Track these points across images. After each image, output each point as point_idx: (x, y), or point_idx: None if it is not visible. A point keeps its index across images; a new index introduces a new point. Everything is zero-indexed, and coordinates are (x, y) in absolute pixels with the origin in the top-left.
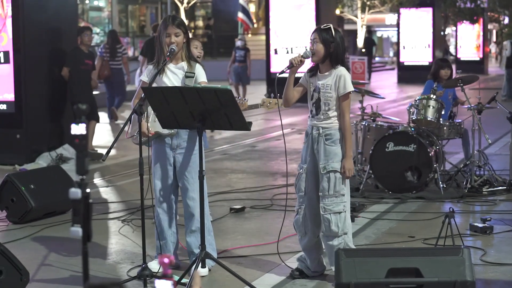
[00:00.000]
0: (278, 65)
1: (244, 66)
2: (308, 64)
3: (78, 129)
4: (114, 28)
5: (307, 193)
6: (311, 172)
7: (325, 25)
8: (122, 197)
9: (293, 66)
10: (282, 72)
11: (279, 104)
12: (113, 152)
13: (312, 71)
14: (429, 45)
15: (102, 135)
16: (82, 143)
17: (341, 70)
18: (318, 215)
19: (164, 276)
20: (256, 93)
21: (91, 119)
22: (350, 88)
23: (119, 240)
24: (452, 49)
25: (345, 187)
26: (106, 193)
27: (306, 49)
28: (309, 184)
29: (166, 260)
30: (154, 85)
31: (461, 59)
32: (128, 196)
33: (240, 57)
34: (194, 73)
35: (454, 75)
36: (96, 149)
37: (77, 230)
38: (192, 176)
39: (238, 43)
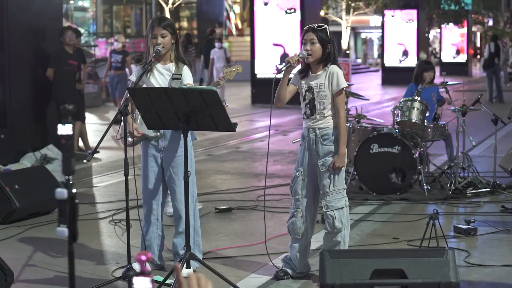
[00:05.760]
0: (262, 66)
1: (122, 74)
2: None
3: (64, 129)
4: (188, 32)
5: (305, 195)
6: (309, 174)
7: (319, 24)
8: (107, 198)
9: (291, 65)
10: (280, 71)
11: (239, 71)
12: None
13: (303, 72)
14: (413, 47)
15: (88, 136)
16: (68, 144)
17: (333, 67)
18: (314, 217)
19: (142, 273)
20: (241, 94)
21: (76, 119)
22: (344, 84)
23: (104, 241)
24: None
25: (343, 182)
26: (91, 193)
27: (302, 50)
28: (307, 186)
29: (143, 257)
30: (142, 85)
31: (445, 61)
32: (113, 197)
33: (117, 63)
34: (180, 75)
35: (442, 78)
36: (85, 149)
37: (63, 230)
38: (179, 178)
39: (115, 44)
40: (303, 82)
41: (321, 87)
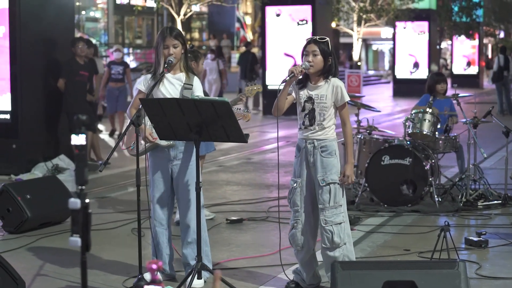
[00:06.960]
0: (273, 78)
1: (122, 87)
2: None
3: (78, 139)
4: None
5: (304, 207)
6: (307, 185)
7: (321, 37)
8: (118, 208)
9: (294, 75)
10: (285, 81)
11: (260, 90)
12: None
13: (301, 83)
14: (425, 59)
15: (100, 146)
16: (82, 153)
17: (336, 80)
18: (314, 228)
19: (152, 282)
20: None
21: (88, 130)
22: (347, 98)
23: (115, 251)
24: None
25: (342, 198)
26: (103, 203)
27: (305, 61)
28: (305, 198)
29: (154, 266)
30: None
31: (457, 73)
32: (124, 207)
33: (117, 75)
34: (192, 85)
35: (454, 89)
36: (97, 160)
37: (76, 240)
38: (188, 187)
39: (114, 55)
40: (301, 92)
41: (322, 98)
